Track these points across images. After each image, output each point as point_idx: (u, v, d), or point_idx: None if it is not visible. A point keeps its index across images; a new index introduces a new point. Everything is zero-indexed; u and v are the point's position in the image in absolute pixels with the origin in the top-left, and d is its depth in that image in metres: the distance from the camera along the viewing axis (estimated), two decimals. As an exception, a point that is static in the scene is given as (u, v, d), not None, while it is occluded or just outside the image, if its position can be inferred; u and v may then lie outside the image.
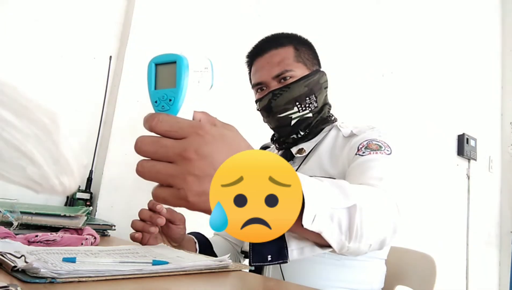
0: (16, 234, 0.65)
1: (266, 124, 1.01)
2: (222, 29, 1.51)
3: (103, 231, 0.91)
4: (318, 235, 0.49)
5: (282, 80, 0.94)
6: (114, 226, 0.93)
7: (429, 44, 2.61)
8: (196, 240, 1.00)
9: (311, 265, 0.83)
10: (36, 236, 0.64)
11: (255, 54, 1.01)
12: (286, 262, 0.50)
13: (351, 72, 2.05)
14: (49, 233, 0.67)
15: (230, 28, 1.54)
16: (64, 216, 0.78)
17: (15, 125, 0.32)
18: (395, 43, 2.34)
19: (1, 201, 0.85)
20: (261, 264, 0.51)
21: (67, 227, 0.78)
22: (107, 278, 0.44)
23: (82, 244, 0.67)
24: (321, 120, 0.96)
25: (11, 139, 0.31)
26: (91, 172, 1.13)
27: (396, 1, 2.38)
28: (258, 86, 0.98)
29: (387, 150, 0.79)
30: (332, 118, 1.00)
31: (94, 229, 0.79)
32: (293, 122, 0.93)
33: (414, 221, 2.35)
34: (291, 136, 0.95)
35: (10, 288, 0.35)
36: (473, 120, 2.96)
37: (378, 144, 0.81)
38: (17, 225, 0.72)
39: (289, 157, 0.96)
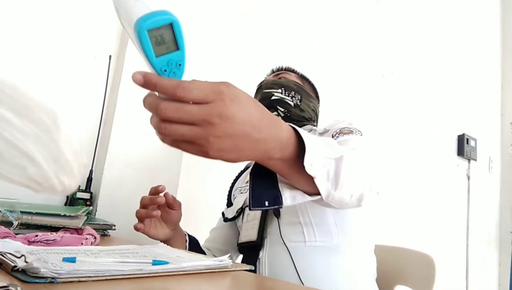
0: (16, 234, 0.65)
1: None
2: (222, 28, 1.51)
3: (103, 231, 0.91)
4: (308, 183, 0.57)
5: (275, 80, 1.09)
6: (114, 226, 0.93)
7: (429, 45, 2.61)
8: (187, 238, 1.05)
9: (298, 253, 0.84)
10: (36, 236, 0.64)
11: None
12: (281, 207, 0.59)
13: (351, 73, 2.05)
14: (49, 233, 0.67)
15: (230, 27, 1.54)
16: (64, 216, 0.78)
17: (16, 125, 0.32)
18: (395, 43, 2.34)
19: (1, 201, 0.85)
20: (260, 208, 0.58)
21: (67, 227, 0.78)
22: (107, 278, 0.44)
23: (82, 244, 0.67)
24: (301, 116, 1.05)
25: (11, 138, 0.31)
26: (91, 172, 1.13)
27: (396, 1, 2.38)
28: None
29: (359, 133, 0.87)
30: (314, 123, 1.11)
31: (94, 229, 0.79)
32: (273, 97, 1.03)
33: (414, 222, 2.35)
34: (271, 111, 1.01)
35: (10, 288, 0.35)
36: (473, 120, 2.96)
37: (349, 129, 0.89)
38: (17, 225, 0.72)
39: None
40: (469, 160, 2.86)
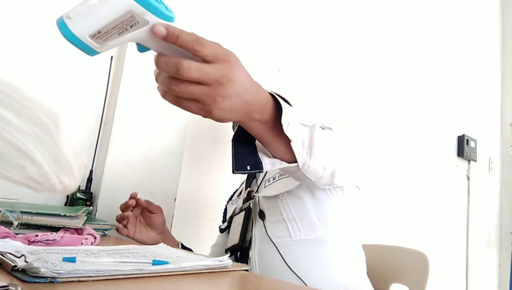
0: (16, 234, 0.65)
1: None
2: (221, 28, 1.52)
3: (103, 231, 0.91)
4: (286, 150, 0.63)
5: None
6: (114, 226, 0.93)
7: (429, 45, 2.61)
8: (180, 247, 1.08)
9: (297, 256, 0.87)
10: (36, 235, 0.64)
11: None
12: (262, 171, 0.65)
13: (351, 73, 2.05)
14: (49, 233, 0.67)
15: (229, 27, 1.55)
16: (64, 216, 0.78)
17: (16, 125, 0.32)
18: (395, 44, 2.34)
19: (1, 201, 0.85)
20: (242, 172, 0.63)
21: (67, 227, 0.78)
22: (107, 278, 0.44)
23: (82, 244, 0.67)
24: None
25: (11, 138, 0.31)
26: (91, 172, 1.13)
27: (397, 2, 2.38)
28: None
29: (329, 129, 0.93)
30: None
31: (94, 229, 0.79)
32: None
33: (414, 222, 2.35)
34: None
35: (10, 287, 0.35)
36: (473, 121, 2.96)
37: (321, 127, 0.95)
38: (17, 225, 0.72)
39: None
40: (469, 161, 2.86)
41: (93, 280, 0.43)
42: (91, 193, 1.10)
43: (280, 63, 1.72)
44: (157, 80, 0.49)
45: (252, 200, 1.01)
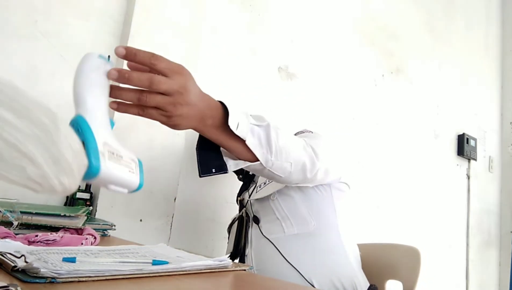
0: (16, 234, 0.65)
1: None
2: (221, 27, 1.52)
3: (103, 231, 0.90)
4: (246, 151, 0.68)
5: None
6: (114, 226, 0.93)
7: (429, 45, 2.61)
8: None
9: (297, 252, 0.91)
10: (36, 236, 0.64)
11: None
12: (227, 172, 0.70)
13: (351, 73, 2.05)
14: (49, 233, 0.67)
15: (229, 26, 1.54)
16: (64, 216, 0.78)
17: (15, 125, 0.32)
18: (394, 43, 2.34)
19: (1, 201, 0.85)
20: (208, 175, 0.69)
21: (67, 227, 0.78)
22: (107, 278, 0.44)
23: (82, 244, 0.67)
24: None
25: (11, 139, 0.31)
26: (91, 172, 1.13)
27: (397, 2, 2.38)
28: None
29: (310, 132, 1.00)
30: None
31: (94, 229, 0.79)
32: None
33: (414, 221, 2.35)
34: None
35: (10, 288, 0.35)
36: (473, 120, 2.96)
37: (301, 132, 1.02)
38: (17, 225, 0.72)
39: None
40: (469, 159, 2.86)
41: (93, 280, 0.43)
42: (91, 193, 1.10)
43: (280, 62, 1.72)
44: (122, 98, 0.56)
45: (244, 208, 1.07)
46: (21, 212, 0.74)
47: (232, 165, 0.71)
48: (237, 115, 0.66)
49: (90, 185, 1.12)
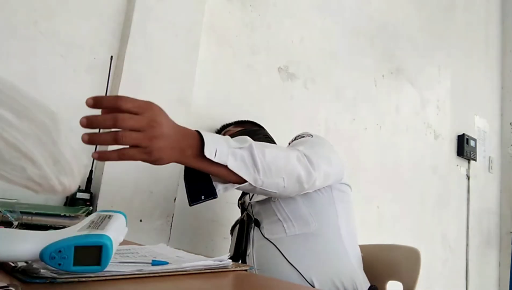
0: (16, 234, 0.65)
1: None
2: (221, 27, 1.52)
3: (103, 231, 0.90)
4: (232, 174, 0.69)
5: None
6: (114, 226, 0.93)
7: (429, 45, 2.61)
8: None
9: (297, 253, 0.92)
10: (36, 236, 0.64)
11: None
12: (216, 197, 0.72)
13: (351, 73, 2.05)
14: (49, 233, 0.67)
15: (229, 26, 1.54)
16: (64, 216, 0.78)
17: (15, 125, 0.32)
18: (394, 43, 2.34)
19: (1, 201, 0.85)
20: (197, 202, 0.71)
21: (67, 227, 0.77)
22: (107, 278, 0.44)
23: (82, 244, 0.67)
24: None
25: (11, 139, 0.31)
26: (91, 172, 1.13)
27: (397, 2, 2.38)
28: None
29: (309, 136, 0.99)
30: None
31: (94, 229, 0.79)
32: None
33: (414, 221, 2.35)
34: None
35: (10, 288, 0.35)
36: (473, 120, 2.96)
37: (301, 135, 1.01)
38: (17, 225, 0.72)
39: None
40: (469, 160, 2.85)
41: (93, 281, 0.43)
42: (91, 193, 1.10)
43: (280, 62, 1.72)
44: (99, 142, 0.59)
45: (245, 212, 1.07)
46: (21, 212, 0.74)
47: (221, 189, 0.73)
48: (214, 142, 0.67)
49: (90, 185, 1.12)
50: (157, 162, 0.62)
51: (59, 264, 0.39)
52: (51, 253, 0.39)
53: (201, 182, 0.71)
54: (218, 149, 0.66)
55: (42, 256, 0.39)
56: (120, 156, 0.59)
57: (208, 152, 0.65)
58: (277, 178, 0.74)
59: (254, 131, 1.25)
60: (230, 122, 1.35)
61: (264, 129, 1.32)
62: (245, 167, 0.70)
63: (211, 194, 0.71)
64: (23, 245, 0.40)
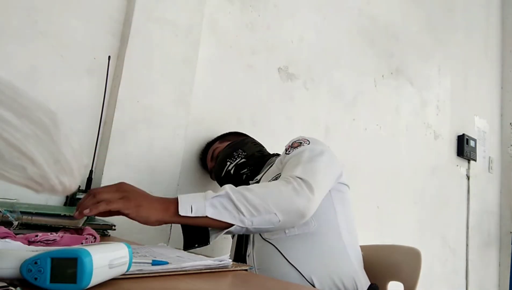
0: (16, 234, 0.65)
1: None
2: (221, 27, 1.52)
3: (103, 231, 0.90)
4: (217, 222, 0.75)
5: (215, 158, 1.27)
6: (114, 226, 0.93)
7: (429, 45, 2.61)
8: None
9: (298, 255, 0.92)
10: (36, 236, 0.64)
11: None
12: (209, 244, 0.80)
13: (351, 73, 2.05)
14: (49, 233, 0.67)
15: (229, 27, 1.55)
16: (64, 216, 0.78)
17: (15, 125, 0.32)
18: (394, 43, 2.34)
19: (1, 201, 0.85)
20: (191, 249, 0.79)
21: (67, 227, 0.78)
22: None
23: (82, 244, 0.67)
24: (259, 159, 1.18)
25: (11, 139, 0.31)
26: (91, 172, 1.13)
27: (397, 2, 2.38)
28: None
29: (306, 142, 0.98)
30: (274, 154, 1.21)
31: (94, 229, 0.79)
32: (231, 171, 1.18)
33: (414, 221, 2.35)
34: (243, 180, 1.16)
35: (10, 288, 0.35)
36: (473, 120, 2.96)
37: (298, 141, 1.01)
38: (17, 225, 0.72)
39: None
40: (469, 160, 2.86)
41: (93, 280, 0.43)
42: (91, 193, 1.10)
43: (280, 62, 1.72)
44: (88, 204, 0.72)
45: None
46: (21, 212, 0.74)
47: (213, 237, 0.79)
48: (189, 201, 0.74)
49: (90, 185, 1.12)
50: (147, 219, 0.73)
51: (35, 279, 0.37)
52: (28, 265, 0.37)
53: (198, 233, 0.80)
54: (193, 205, 0.74)
55: (21, 270, 0.38)
56: (107, 210, 0.73)
57: (184, 211, 0.73)
58: (267, 215, 0.77)
59: (241, 141, 1.25)
60: (213, 138, 1.36)
61: (250, 137, 1.32)
62: (227, 212, 0.75)
63: (205, 241, 0.79)
64: (2, 263, 0.38)
